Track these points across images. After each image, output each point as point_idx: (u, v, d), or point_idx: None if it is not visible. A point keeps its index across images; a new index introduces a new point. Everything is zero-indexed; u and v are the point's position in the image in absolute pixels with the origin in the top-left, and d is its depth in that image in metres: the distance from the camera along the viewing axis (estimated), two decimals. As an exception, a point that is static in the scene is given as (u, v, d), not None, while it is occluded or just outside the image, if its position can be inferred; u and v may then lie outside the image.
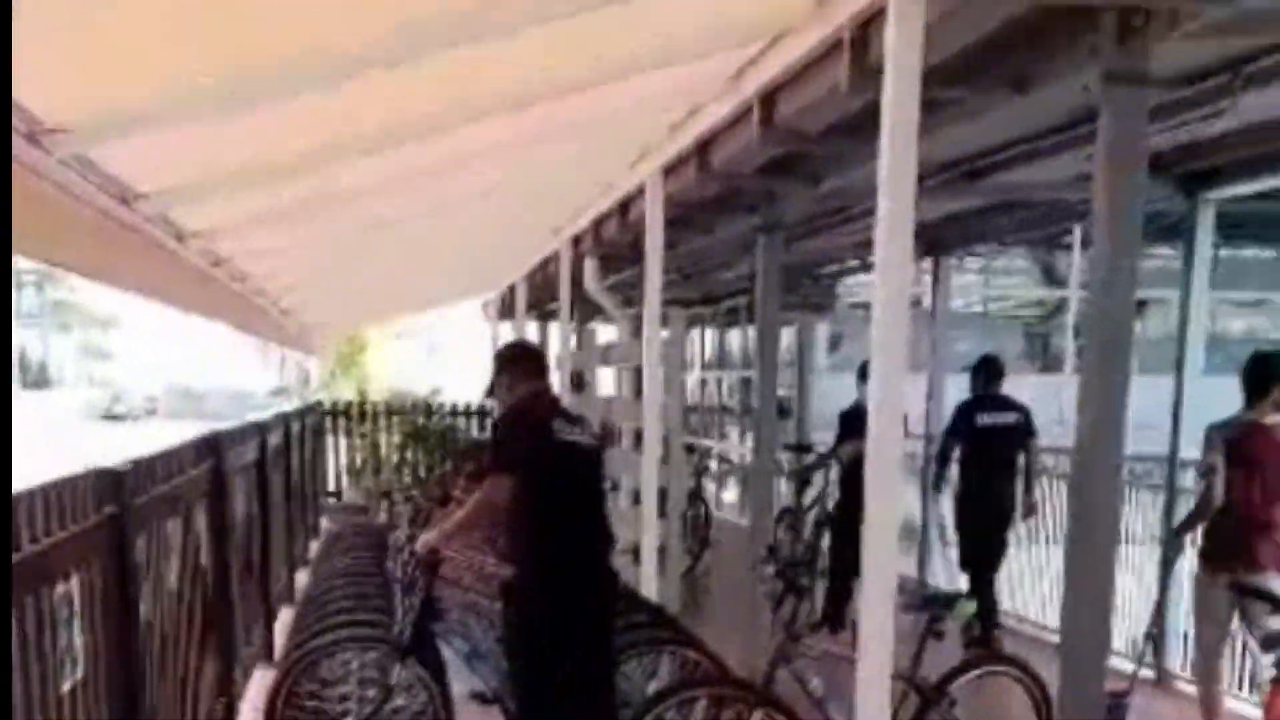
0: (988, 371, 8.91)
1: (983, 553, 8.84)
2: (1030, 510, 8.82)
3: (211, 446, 6.02)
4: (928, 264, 10.76)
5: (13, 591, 2.73)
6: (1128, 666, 6.85)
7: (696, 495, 12.66)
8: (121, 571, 3.82)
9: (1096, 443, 5.04)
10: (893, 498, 4.24)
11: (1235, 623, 6.49)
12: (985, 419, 8.77)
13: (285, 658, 6.42)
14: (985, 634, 8.36)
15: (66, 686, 3.28)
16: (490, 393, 5.60)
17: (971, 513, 8.88)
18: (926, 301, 11.15)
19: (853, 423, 8.60)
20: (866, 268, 12.81)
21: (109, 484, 3.69)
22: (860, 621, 4.42)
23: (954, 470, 9.24)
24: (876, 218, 3.87)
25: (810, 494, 10.54)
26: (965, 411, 8.89)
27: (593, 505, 5.39)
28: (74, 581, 3.32)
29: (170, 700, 4.86)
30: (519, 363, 5.48)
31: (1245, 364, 6.32)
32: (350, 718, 6.17)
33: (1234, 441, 6.34)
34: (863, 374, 10.46)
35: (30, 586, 2.89)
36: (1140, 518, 9.00)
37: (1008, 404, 8.87)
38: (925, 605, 5.49)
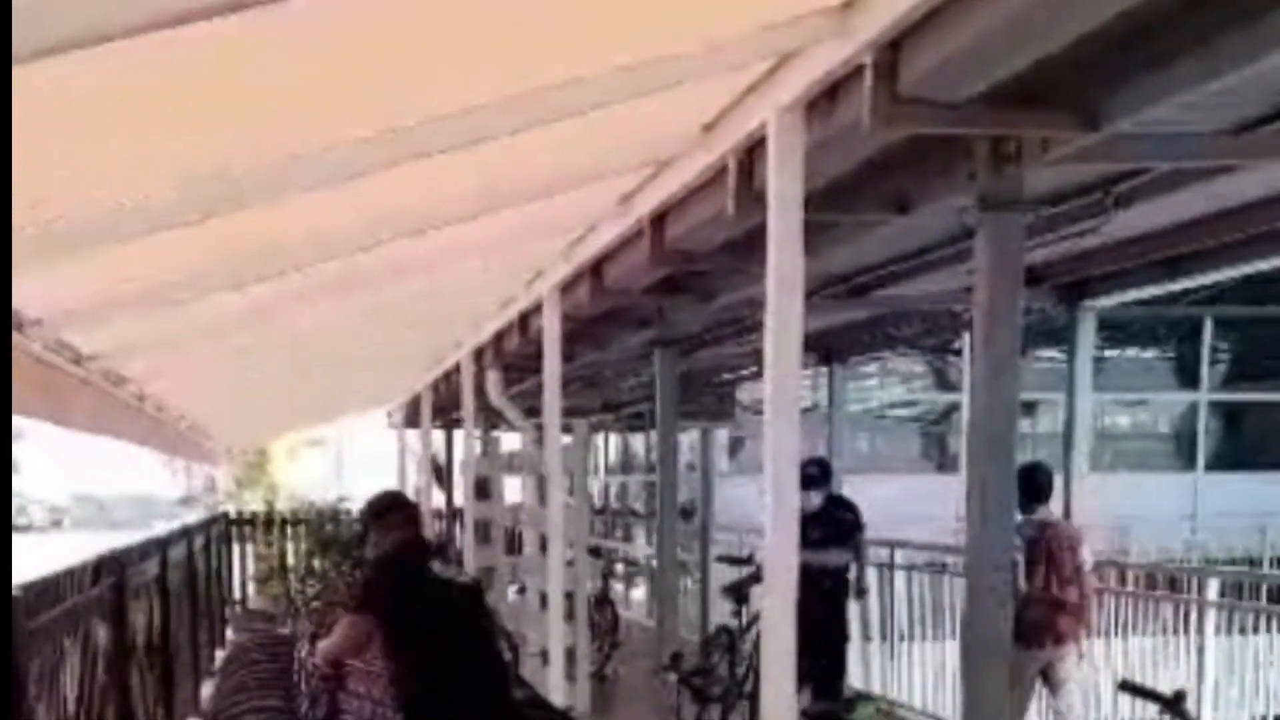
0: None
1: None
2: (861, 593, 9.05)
3: (112, 565, 5.89)
4: (824, 369, 10.94)
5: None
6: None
7: (604, 597, 12.57)
8: (9, 695, 3.70)
9: (985, 540, 5.15)
10: (790, 606, 4.26)
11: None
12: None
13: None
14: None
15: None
16: (359, 544, 5.52)
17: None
18: (824, 405, 11.32)
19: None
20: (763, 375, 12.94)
21: (-1, 616, 3.59)
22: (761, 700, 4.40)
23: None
24: (765, 331, 3.95)
25: (749, 610, 10.27)
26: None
27: (477, 638, 5.28)
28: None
29: None
30: (387, 514, 5.38)
31: (1019, 474, 6.48)
32: None
33: (1032, 540, 7.14)
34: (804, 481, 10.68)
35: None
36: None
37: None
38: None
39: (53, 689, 4.51)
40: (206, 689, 10.48)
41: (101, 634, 5.60)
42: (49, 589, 4.33)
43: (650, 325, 7.70)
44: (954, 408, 20.17)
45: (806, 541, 5.31)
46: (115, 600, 5.94)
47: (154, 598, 7.77)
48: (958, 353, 16.56)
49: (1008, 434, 5.22)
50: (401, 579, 5.09)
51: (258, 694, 7.45)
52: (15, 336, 3.33)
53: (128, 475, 49.62)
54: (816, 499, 7.79)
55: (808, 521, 6.33)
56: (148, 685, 7.32)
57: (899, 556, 10.56)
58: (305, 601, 11.28)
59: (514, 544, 12.09)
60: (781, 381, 4.04)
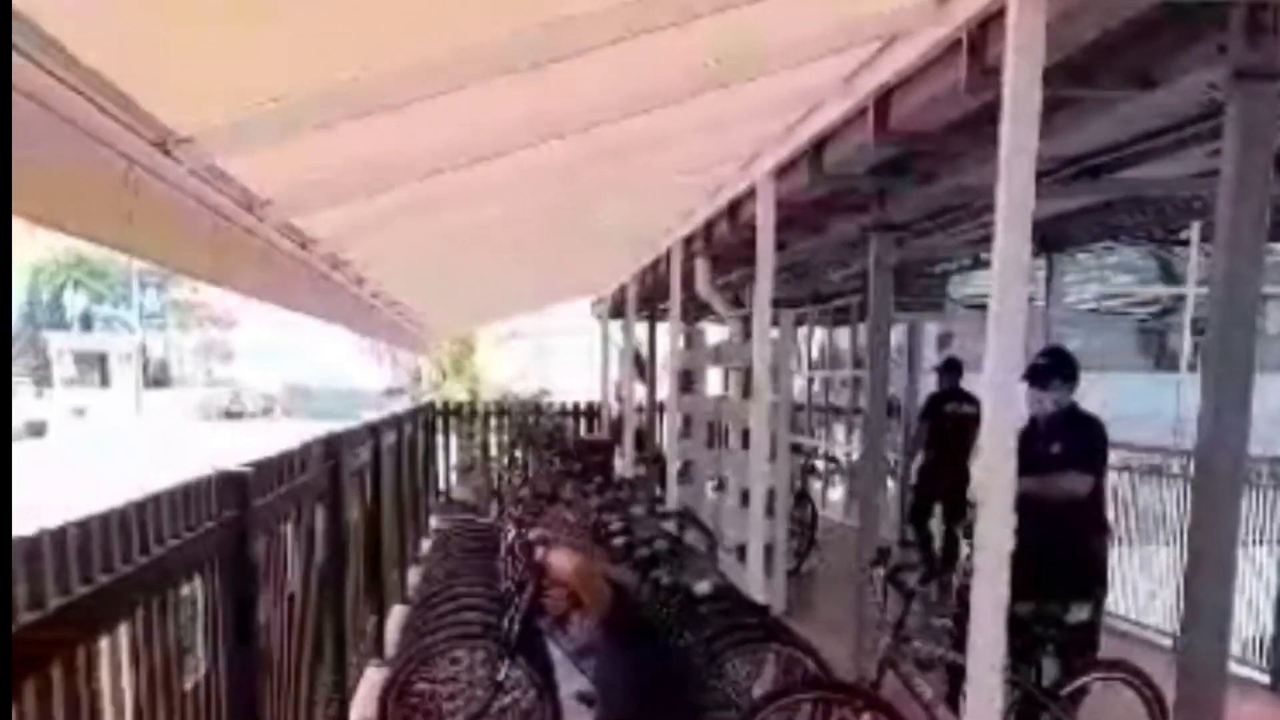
0: (952, 370, 10.85)
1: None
2: None
3: (329, 448, 6.09)
4: (1041, 261, 10.58)
5: (137, 593, 2.77)
6: (1244, 671, 6.67)
7: (803, 495, 12.55)
8: (241, 573, 3.86)
9: (1218, 442, 4.90)
10: (1007, 496, 4.17)
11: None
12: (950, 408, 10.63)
13: (397, 656, 6.49)
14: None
15: (189, 684, 3.32)
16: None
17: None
18: (1040, 298, 10.97)
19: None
20: (979, 265, 12.59)
21: (232, 487, 3.74)
22: (970, 625, 4.35)
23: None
24: (995, 215, 3.81)
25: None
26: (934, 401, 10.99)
27: None
28: (196, 583, 3.37)
29: (286, 699, 4.92)
30: None
31: None
32: (460, 715, 6.21)
33: None
34: (947, 368, 11.08)
35: (155, 588, 2.93)
36: (1265, 519, 8.75)
37: (969, 398, 10.32)
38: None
39: (275, 571, 4.70)
40: (412, 575, 10.87)
41: (319, 517, 5.81)
42: (272, 470, 4.50)
43: (867, 211, 7.52)
44: (1176, 303, 19.28)
45: (1032, 459, 5.14)
46: (332, 484, 6.15)
47: (366, 484, 8.04)
48: (1184, 243, 15.75)
49: (1247, 329, 4.93)
50: None
51: (464, 579, 7.68)
52: (246, 217, 3.42)
53: (336, 368, 51.76)
54: (1049, 402, 6.19)
55: (1035, 433, 6.11)
56: (360, 571, 7.61)
57: (1113, 458, 10.21)
58: (510, 492, 11.53)
59: (714, 438, 12.15)
60: (1008, 270, 3.90)
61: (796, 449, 12.70)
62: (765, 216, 6.97)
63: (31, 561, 2.14)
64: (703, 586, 5.88)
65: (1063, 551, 5.71)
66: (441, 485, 17.32)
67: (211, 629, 3.59)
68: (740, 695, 6.04)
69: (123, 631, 2.65)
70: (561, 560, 5.63)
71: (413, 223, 5.21)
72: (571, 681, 6.40)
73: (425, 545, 12.67)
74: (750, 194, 7.42)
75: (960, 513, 9.76)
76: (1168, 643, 8.66)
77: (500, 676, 5.92)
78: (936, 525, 10.92)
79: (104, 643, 2.51)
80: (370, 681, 7.51)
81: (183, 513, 3.22)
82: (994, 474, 4.18)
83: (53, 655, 2.20)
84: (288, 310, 4.78)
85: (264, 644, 4.34)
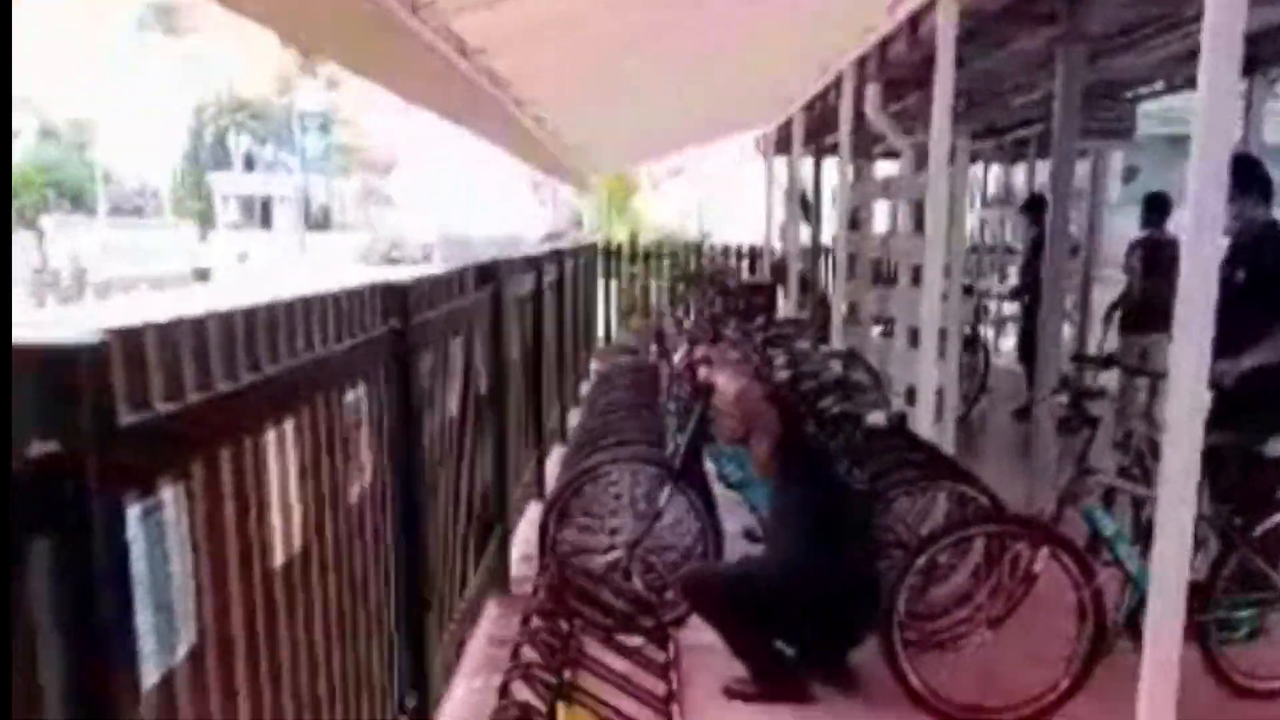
0: (1160, 208, 10.35)
1: None
2: None
3: (490, 273, 6.11)
4: (1242, 84, 9.94)
5: (302, 388, 2.81)
6: None
7: (974, 339, 12.31)
8: (405, 385, 3.92)
9: None
10: (1205, 334, 4.00)
11: None
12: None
13: (559, 478, 6.59)
14: None
15: (354, 494, 3.39)
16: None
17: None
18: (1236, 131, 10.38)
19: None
20: (1173, 89, 11.91)
21: (393, 298, 3.77)
22: (1162, 459, 4.21)
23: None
24: (1202, 26, 3.56)
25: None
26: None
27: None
28: (360, 390, 3.42)
29: (449, 522, 5.03)
30: None
31: None
32: (620, 539, 6.28)
33: None
34: (1150, 205, 10.52)
35: (319, 386, 2.97)
36: None
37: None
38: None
39: (438, 393, 4.76)
40: (572, 418, 11.01)
41: (479, 344, 5.86)
42: (433, 286, 4.52)
43: (1055, 22, 7.13)
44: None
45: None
46: (493, 311, 6.19)
47: (528, 317, 8.11)
48: None
49: None
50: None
51: (626, 414, 7.71)
52: (407, 20, 3.37)
53: (494, 214, 52.38)
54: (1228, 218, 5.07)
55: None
56: (521, 406, 7.71)
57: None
58: (673, 332, 11.55)
59: (880, 277, 11.95)
60: (1215, 91, 3.66)
61: (969, 290, 12.40)
62: (946, 29, 6.67)
63: (199, 343, 2.16)
64: (876, 418, 5.81)
65: (1262, 380, 5.47)
66: (602, 329, 17.45)
67: (376, 439, 3.65)
68: (910, 533, 5.99)
69: (289, 428, 2.69)
70: (727, 381, 5.62)
71: (576, 36, 5.10)
72: (735, 517, 6.43)
73: (585, 388, 12.81)
74: (930, 5, 7.11)
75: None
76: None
77: (661, 503, 5.97)
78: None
79: (270, 436, 2.55)
80: (531, 516, 7.67)
81: (346, 317, 3.25)
82: (1191, 307, 4.01)
83: (220, 438, 2.24)
84: (448, 120, 4.75)
85: (427, 462, 4.42)
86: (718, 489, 6.32)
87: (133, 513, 1.81)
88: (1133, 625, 5.01)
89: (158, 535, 1.92)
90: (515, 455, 7.28)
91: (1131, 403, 8.97)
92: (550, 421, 9.61)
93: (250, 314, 2.44)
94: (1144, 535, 5.06)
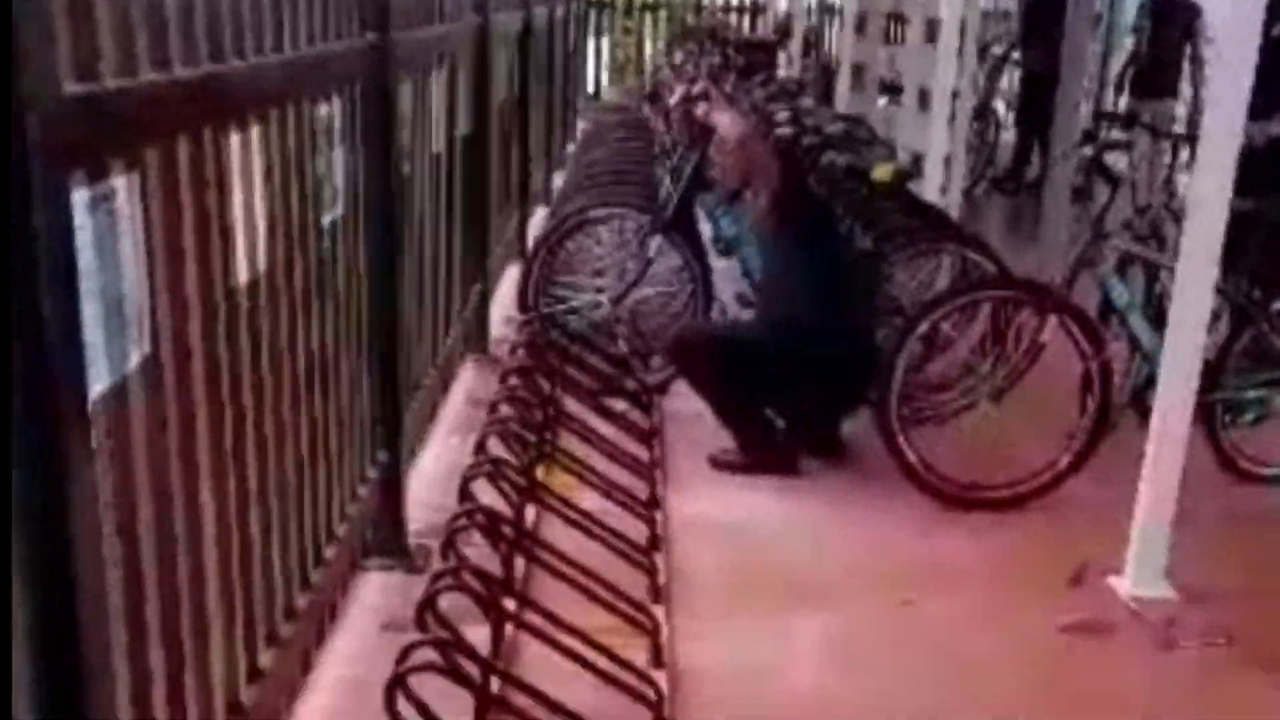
0: None
1: None
2: None
3: (478, 3, 5.87)
4: None
5: (269, 89, 2.66)
6: None
7: (986, 107, 12.09)
8: (384, 110, 3.76)
9: None
10: (1239, 96, 3.86)
11: None
12: None
13: (541, 234, 6.48)
14: None
15: (326, 220, 3.28)
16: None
17: None
18: None
19: None
20: None
21: (374, 8, 3.57)
22: (1185, 226, 4.12)
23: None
24: None
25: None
26: None
27: None
28: (335, 106, 3.27)
29: (425, 270, 4.93)
30: None
31: None
32: (606, 294, 6.20)
33: None
34: None
35: (289, 95, 2.82)
36: None
37: None
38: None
39: (420, 126, 4.61)
40: (557, 180, 10.83)
41: (463, 82, 5.67)
42: (420, 6, 4.33)
43: None
44: None
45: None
46: (478, 46, 5.97)
47: (514, 61, 7.86)
48: None
49: None
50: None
51: (615, 165, 7.55)
52: None
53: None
54: None
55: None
56: (505, 158, 7.54)
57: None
58: (667, 84, 11.27)
59: (891, 36, 11.65)
60: None
61: (984, 51, 12.09)
62: None
63: (155, 17, 2.01)
64: (883, 171, 5.66)
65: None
66: (590, 88, 17.09)
67: (352, 166, 3.52)
68: (913, 300, 5.91)
69: (254, 135, 2.55)
70: (730, 123, 5.45)
71: None
72: (727, 284, 6.34)
73: (571, 149, 12.58)
74: None
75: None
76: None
77: (651, 253, 5.85)
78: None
79: (234, 139, 2.41)
80: (512, 278, 7.58)
81: (321, 21, 3.08)
82: (1226, 64, 3.89)
83: (178, 127, 2.11)
84: None
85: (405, 201, 4.29)
86: (710, 256, 6.22)
87: (80, 196, 1.68)
88: (1139, 402, 5.00)
89: (108, 226, 1.80)
90: (498, 209, 7.15)
91: (1149, 168, 8.83)
92: (535, 180, 9.44)
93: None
94: (1157, 308, 5.01)
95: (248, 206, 2.53)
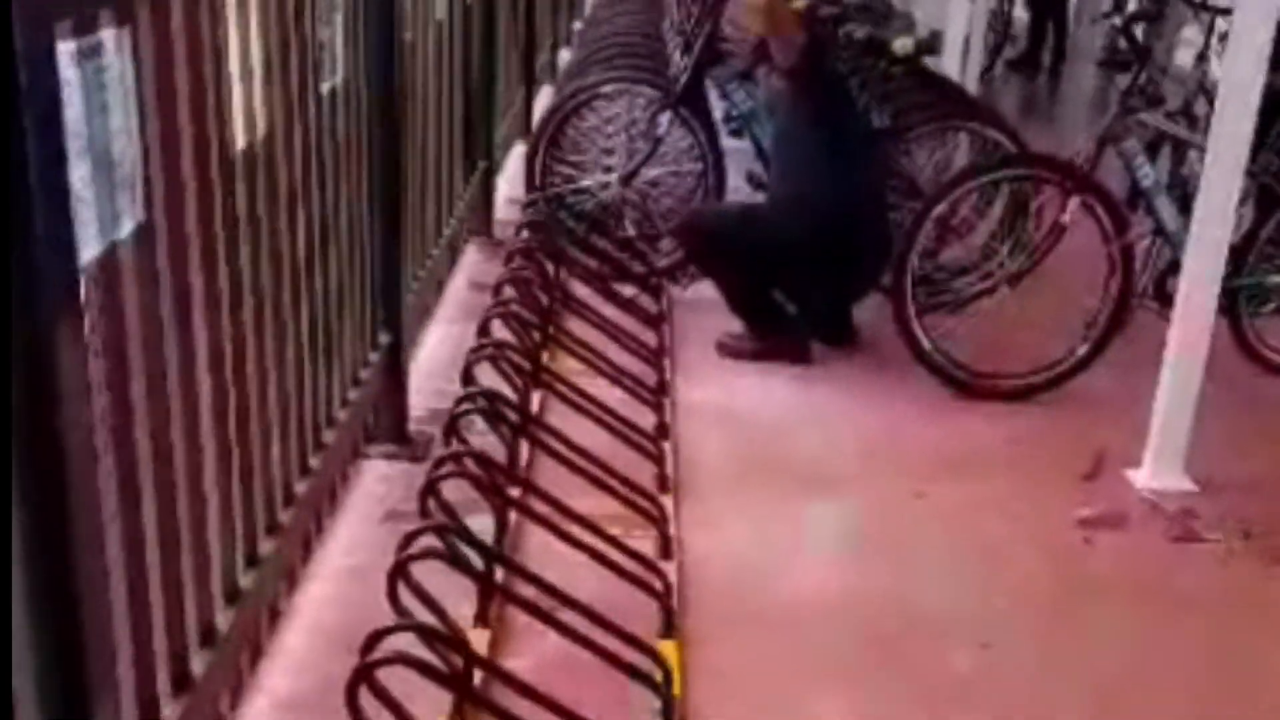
0: None
1: None
2: None
3: None
4: None
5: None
6: None
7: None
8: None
9: None
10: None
11: None
12: None
13: (550, 106, 6.36)
14: None
15: (325, 87, 3.19)
16: None
17: None
18: None
19: None
20: None
21: None
22: (1217, 107, 4.03)
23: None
24: None
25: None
26: None
27: None
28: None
29: (428, 144, 4.84)
30: None
31: None
32: (615, 174, 6.10)
33: None
34: None
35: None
36: None
37: None
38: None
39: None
40: (564, 55, 10.66)
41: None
42: None
43: None
44: None
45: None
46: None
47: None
48: None
49: None
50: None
51: (623, 39, 7.41)
52: None
53: None
54: None
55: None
56: (513, 22, 7.39)
57: None
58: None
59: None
60: None
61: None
62: None
63: None
64: (904, 43, 5.54)
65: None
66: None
67: (353, 32, 3.43)
68: (932, 178, 5.80)
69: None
70: None
71: None
72: (738, 163, 6.23)
73: (578, 26, 12.38)
74: None
75: None
76: None
77: (660, 130, 5.75)
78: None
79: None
80: (517, 158, 7.47)
81: None
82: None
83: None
84: None
85: (409, 66, 4.20)
86: (723, 135, 6.12)
87: (65, 48, 1.60)
88: (1161, 288, 4.95)
89: (97, 83, 1.73)
90: (505, 86, 7.03)
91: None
92: (541, 56, 9.29)
93: None
94: (1184, 189, 4.93)
95: (244, 69, 2.45)
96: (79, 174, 1.65)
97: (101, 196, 1.77)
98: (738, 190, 6.17)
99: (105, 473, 1.86)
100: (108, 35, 1.76)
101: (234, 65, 2.37)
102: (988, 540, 3.86)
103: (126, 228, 1.89)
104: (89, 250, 1.74)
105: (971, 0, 7.67)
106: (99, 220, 1.76)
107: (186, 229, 2.18)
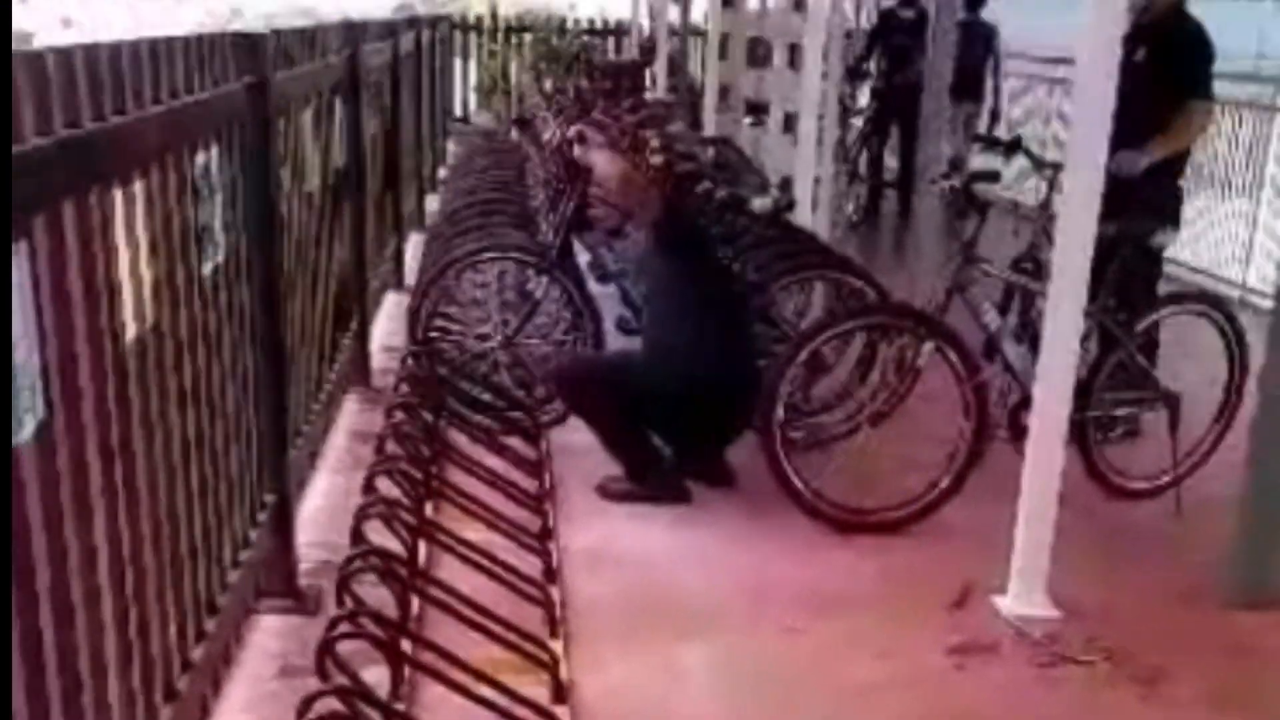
0: None
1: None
2: None
3: (348, 36, 5.84)
4: None
5: (153, 141, 2.62)
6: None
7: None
8: (263, 153, 3.72)
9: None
10: (1102, 120, 3.99)
11: None
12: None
13: (421, 275, 6.42)
14: None
15: (208, 268, 3.23)
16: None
17: None
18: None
19: None
20: None
21: (248, 50, 3.52)
22: (1055, 252, 4.24)
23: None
24: None
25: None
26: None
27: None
28: (214, 153, 3.22)
29: (306, 309, 4.88)
30: None
31: None
32: (491, 337, 6.17)
33: None
34: None
35: (171, 144, 2.78)
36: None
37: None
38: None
39: (295, 164, 4.56)
40: (431, 203, 10.80)
41: (337, 114, 5.63)
42: (291, 41, 4.28)
43: None
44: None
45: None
46: (350, 79, 5.92)
47: (385, 91, 7.83)
48: None
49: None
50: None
51: (489, 199, 7.55)
52: None
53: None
54: None
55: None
56: (379, 188, 7.48)
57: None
58: (536, 109, 11.31)
59: (756, 58, 11.79)
60: None
61: (854, 74, 12.26)
62: None
63: (38, 83, 1.97)
64: (762, 203, 5.74)
65: (1159, 168, 5.52)
66: (458, 110, 17.05)
67: (231, 211, 3.47)
68: (793, 327, 5.98)
69: (138, 189, 2.51)
70: (607, 162, 5.48)
71: None
72: (607, 310, 6.35)
73: (443, 172, 12.56)
74: None
75: None
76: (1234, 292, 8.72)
77: (538, 294, 5.85)
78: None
79: (118, 195, 2.37)
80: (390, 307, 7.53)
81: (198, 66, 3.03)
82: (1089, 91, 4.01)
83: (64, 191, 2.07)
84: None
85: (284, 240, 4.25)
86: (590, 284, 6.25)
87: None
88: (1013, 423, 5.13)
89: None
90: (375, 240, 7.10)
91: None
92: (408, 208, 9.40)
93: (92, 53, 2.24)
94: (1031, 332, 5.14)
95: (133, 262, 2.49)
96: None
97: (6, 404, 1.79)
98: (610, 335, 6.28)
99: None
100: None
101: (123, 259, 2.40)
102: (860, 674, 3.93)
103: (28, 429, 1.91)
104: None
105: (818, 149, 7.91)
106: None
107: (82, 419, 2.20)
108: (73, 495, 2.16)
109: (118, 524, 2.42)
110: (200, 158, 3.09)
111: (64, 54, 2.09)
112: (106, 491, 2.33)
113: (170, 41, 2.76)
